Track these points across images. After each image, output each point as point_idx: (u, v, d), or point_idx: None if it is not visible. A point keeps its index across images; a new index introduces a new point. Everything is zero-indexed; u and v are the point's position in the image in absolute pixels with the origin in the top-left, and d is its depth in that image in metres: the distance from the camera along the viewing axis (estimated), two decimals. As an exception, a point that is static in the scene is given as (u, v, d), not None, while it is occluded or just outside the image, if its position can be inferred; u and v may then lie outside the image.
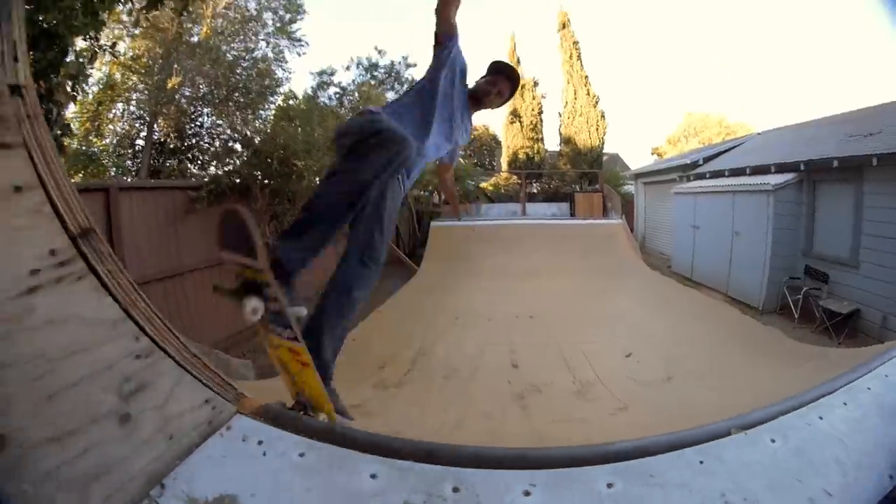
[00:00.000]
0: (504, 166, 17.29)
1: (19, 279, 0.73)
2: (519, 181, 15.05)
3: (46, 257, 0.78)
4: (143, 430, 0.84)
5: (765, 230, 6.52)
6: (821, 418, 1.16)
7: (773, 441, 1.06)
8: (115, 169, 8.04)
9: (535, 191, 15.27)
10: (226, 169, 4.95)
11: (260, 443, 0.95)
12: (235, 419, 1.00)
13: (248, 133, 5.57)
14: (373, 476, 0.89)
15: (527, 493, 0.88)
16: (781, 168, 6.79)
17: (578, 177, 15.25)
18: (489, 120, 27.72)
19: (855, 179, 5.54)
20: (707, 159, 10.79)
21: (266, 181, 5.23)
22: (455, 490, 0.88)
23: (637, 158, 30.90)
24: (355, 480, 0.90)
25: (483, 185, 15.19)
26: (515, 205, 13.70)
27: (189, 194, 4.59)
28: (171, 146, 7.65)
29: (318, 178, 5.73)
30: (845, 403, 1.24)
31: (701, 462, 0.98)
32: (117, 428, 0.81)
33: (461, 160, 14.09)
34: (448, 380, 4.13)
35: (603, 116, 16.19)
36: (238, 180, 5.01)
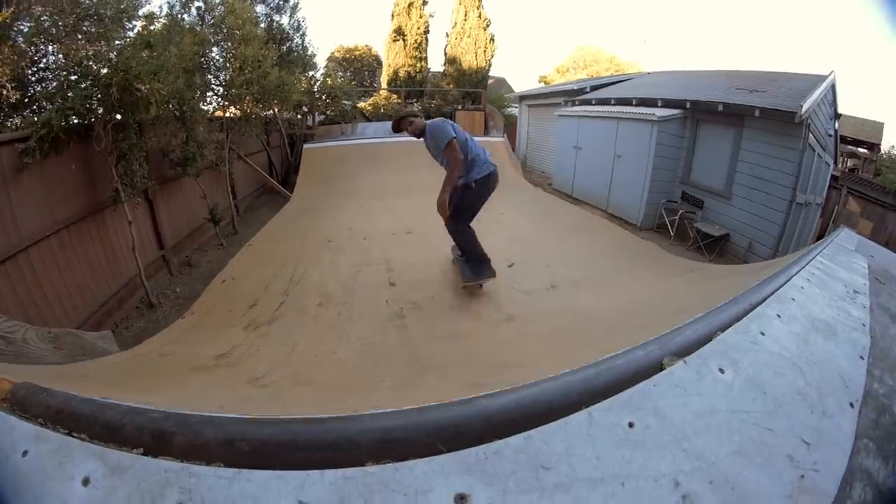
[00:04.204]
0: (384, 85, 16.05)
1: None
2: (399, 100, 14.04)
3: None
4: None
5: (646, 156, 6.87)
6: (763, 334, 0.88)
7: (721, 371, 0.73)
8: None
9: (415, 110, 14.50)
10: (59, 108, 3.74)
11: (-8, 442, 0.69)
12: (-20, 413, 0.75)
13: (91, 64, 4.18)
14: (85, 481, 0.59)
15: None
16: (668, 104, 7.08)
17: (462, 96, 14.68)
18: (372, 39, 25.43)
19: (736, 125, 6.06)
20: (594, 88, 10.93)
21: (108, 115, 4.12)
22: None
23: (524, 85, 30.83)
24: (65, 490, 0.59)
25: (361, 104, 14.06)
26: (393, 123, 12.95)
27: (16, 148, 3.47)
28: (12, 100, 5.55)
29: (169, 105, 4.81)
30: (779, 315, 0.99)
31: (630, 425, 0.60)
32: None
33: (337, 80, 13.37)
34: (322, 307, 3.78)
35: (492, 39, 15.53)
36: (75, 119, 3.86)
